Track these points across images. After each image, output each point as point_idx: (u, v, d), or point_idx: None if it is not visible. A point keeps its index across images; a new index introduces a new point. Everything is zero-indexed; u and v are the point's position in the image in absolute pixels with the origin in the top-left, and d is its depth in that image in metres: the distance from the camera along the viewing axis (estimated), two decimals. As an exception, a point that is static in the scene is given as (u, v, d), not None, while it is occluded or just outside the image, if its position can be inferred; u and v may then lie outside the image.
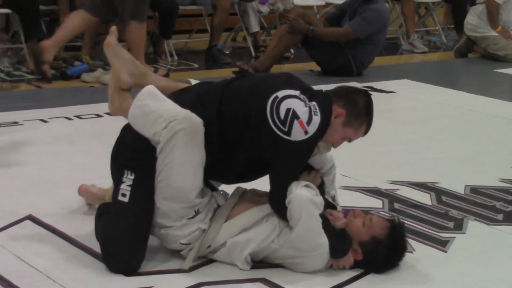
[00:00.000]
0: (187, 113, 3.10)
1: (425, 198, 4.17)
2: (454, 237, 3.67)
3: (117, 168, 3.22)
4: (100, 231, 3.26)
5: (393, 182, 4.38)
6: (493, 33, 8.58)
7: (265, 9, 8.89)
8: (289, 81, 3.25)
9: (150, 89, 3.22)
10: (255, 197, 3.30)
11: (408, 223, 3.81)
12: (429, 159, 4.89)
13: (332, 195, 3.44)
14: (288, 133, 3.06)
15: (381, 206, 4.03)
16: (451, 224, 3.84)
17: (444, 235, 3.70)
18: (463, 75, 8.24)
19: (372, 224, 3.20)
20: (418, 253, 3.48)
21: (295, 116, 3.07)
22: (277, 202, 3.15)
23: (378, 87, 6.94)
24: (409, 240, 3.59)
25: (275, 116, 3.08)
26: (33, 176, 4.24)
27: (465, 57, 8.91)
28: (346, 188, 4.23)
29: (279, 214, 3.16)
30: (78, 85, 6.70)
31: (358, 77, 7.28)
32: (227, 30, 8.99)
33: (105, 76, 6.83)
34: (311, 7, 9.38)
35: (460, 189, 4.32)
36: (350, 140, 3.30)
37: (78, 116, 5.48)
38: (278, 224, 3.17)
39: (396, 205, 4.05)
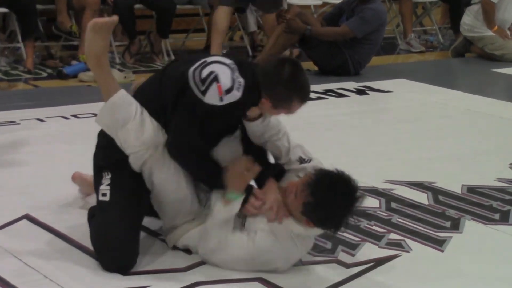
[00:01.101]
0: (152, 138, 3.12)
1: (422, 198, 4.18)
2: (451, 237, 3.67)
3: (96, 174, 3.27)
4: (91, 233, 3.26)
5: (390, 182, 4.38)
6: (490, 33, 8.58)
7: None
8: (227, 55, 3.26)
9: (123, 97, 3.20)
10: None
11: (405, 222, 3.82)
12: (426, 158, 4.89)
13: (297, 156, 3.33)
14: (203, 93, 3.03)
15: (378, 205, 4.03)
16: (448, 224, 3.84)
17: (441, 234, 3.70)
18: (460, 75, 8.24)
19: (298, 191, 3.06)
20: (415, 253, 3.49)
21: (216, 79, 3.04)
22: (175, 152, 3.13)
23: (375, 87, 6.95)
24: (406, 240, 3.61)
25: (196, 74, 3.06)
26: (30, 175, 4.24)
27: (462, 57, 8.91)
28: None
29: (177, 162, 3.15)
30: (75, 85, 6.70)
31: (356, 77, 7.28)
32: (225, 29, 8.97)
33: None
34: (308, 7, 9.38)
35: (457, 189, 4.32)
36: (290, 113, 3.18)
37: (75, 116, 5.48)
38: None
39: (393, 205, 4.05)
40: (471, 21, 8.66)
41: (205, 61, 3.11)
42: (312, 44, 7.28)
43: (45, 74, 7.08)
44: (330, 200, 3.01)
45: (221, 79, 3.04)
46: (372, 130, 5.62)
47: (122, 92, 3.19)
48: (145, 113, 3.15)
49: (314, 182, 3.03)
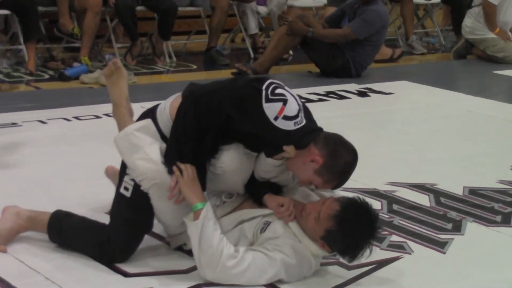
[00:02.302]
0: (155, 168, 3.12)
1: (423, 200, 4.17)
2: (453, 239, 3.67)
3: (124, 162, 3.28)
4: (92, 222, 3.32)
5: (392, 184, 4.38)
6: (491, 35, 8.58)
7: (263, 10, 8.90)
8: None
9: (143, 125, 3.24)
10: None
11: (407, 224, 3.82)
12: (428, 160, 4.89)
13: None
14: (267, 100, 3.00)
15: (380, 207, 4.03)
16: (449, 226, 3.84)
17: (443, 236, 3.70)
18: (461, 77, 8.24)
19: (321, 217, 3.05)
20: (417, 255, 3.49)
21: (284, 101, 3.02)
22: (186, 101, 3.09)
23: (377, 89, 6.95)
24: (408, 242, 3.61)
25: (271, 88, 3.04)
26: (32, 177, 4.24)
27: (463, 59, 8.91)
28: (345, 189, 4.20)
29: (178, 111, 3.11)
30: (77, 86, 6.70)
31: (357, 78, 7.28)
32: (226, 31, 8.99)
33: (104, 77, 6.83)
34: (309, 9, 9.39)
35: (458, 191, 4.32)
36: (316, 188, 3.23)
37: (76, 117, 5.48)
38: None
39: (395, 207, 4.05)
40: (472, 23, 8.66)
41: (283, 85, 3.10)
42: (314, 46, 7.28)
43: (46, 76, 7.08)
44: (355, 233, 3.03)
45: (288, 106, 3.02)
46: (374, 132, 5.62)
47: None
48: (155, 145, 3.18)
49: (339, 212, 3.02)
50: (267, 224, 3.13)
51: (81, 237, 3.27)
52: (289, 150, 3.08)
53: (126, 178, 3.21)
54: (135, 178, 3.16)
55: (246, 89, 3.07)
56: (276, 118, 3.00)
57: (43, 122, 5.34)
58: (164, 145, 3.17)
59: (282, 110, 3.00)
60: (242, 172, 3.20)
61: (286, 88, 3.11)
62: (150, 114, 3.29)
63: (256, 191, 3.26)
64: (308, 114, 3.15)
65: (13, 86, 6.63)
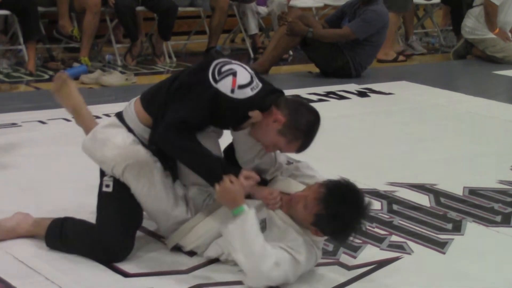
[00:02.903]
0: (122, 152, 3.17)
1: (423, 200, 4.18)
2: (453, 239, 3.67)
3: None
4: (84, 223, 3.34)
5: (392, 184, 4.38)
6: (491, 35, 8.59)
7: (263, 10, 8.90)
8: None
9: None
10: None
11: (407, 224, 3.82)
12: (428, 160, 4.89)
13: (285, 160, 3.38)
14: (216, 81, 3.07)
15: (379, 207, 4.03)
16: (449, 226, 3.84)
17: (443, 236, 3.70)
18: (461, 77, 8.24)
19: (308, 202, 3.05)
20: (417, 255, 3.49)
21: (233, 74, 3.08)
22: (165, 134, 3.10)
23: (377, 89, 6.95)
24: (408, 242, 3.61)
25: (217, 67, 3.10)
26: (32, 177, 4.24)
27: (463, 59, 8.92)
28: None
29: (159, 143, 3.14)
30: (77, 87, 6.67)
31: (357, 79, 7.29)
32: (226, 31, 9.00)
33: (104, 78, 6.84)
34: (309, 9, 9.39)
35: (458, 191, 4.32)
36: (281, 150, 3.24)
37: (76, 118, 5.48)
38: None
39: (395, 207, 4.05)
40: (472, 23, 8.67)
41: (229, 61, 3.16)
42: (314, 46, 7.28)
43: (46, 76, 7.08)
44: (344, 213, 3.01)
45: (238, 76, 3.09)
46: (374, 133, 5.62)
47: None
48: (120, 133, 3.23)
49: (325, 195, 3.02)
50: (263, 222, 3.13)
51: (79, 239, 3.27)
52: (255, 114, 3.12)
53: (105, 178, 3.24)
54: (107, 171, 3.20)
55: (195, 87, 3.10)
56: (232, 91, 3.06)
57: (43, 123, 5.34)
58: (130, 134, 3.21)
59: (234, 81, 3.06)
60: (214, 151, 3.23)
61: (233, 61, 3.17)
62: (116, 115, 3.34)
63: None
64: (264, 80, 3.20)
65: (13, 86, 6.63)
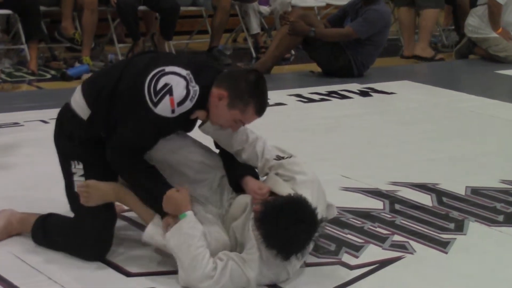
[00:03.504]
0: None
1: (425, 199, 4.17)
2: (455, 239, 3.67)
3: (64, 160, 3.31)
4: (64, 221, 3.35)
5: (394, 183, 4.38)
6: (494, 35, 8.58)
7: (265, 10, 8.90)
8: (187, 59, 3.20)
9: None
10: None
11: (409, 224, 3.81)
12: (430, 160, 4.89)
13: (274, 155, 3.30)
14: (155, 104, 3.03)
15: (382, 207, 4.02)
16: (451, 226, 3.84)
17: (445, 236, 3.69)
18: (464, 77, 8.23)
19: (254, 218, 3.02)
20: (419, 254, 3.48)
21: (169, 91, 3.04)
22: (113, 157, 3.14)
23: (379, 88, 6.95)
24: (410, 241, 3.60)
25: (152, 85, 3.05)
26: (34, 176, 4.24)
27: (465, 58, 8.91)
28: (347, 189, 4.23)
29: (113, 167, 3.18)
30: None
31: (359, 78, 7.28)
32: (228, 31, 8.99)
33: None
34: (311, 8, 9.38)
35: (460, 190, 4.32)
36: (243, 123, 3.19)
37: (78, 117, 5.48)
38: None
39: (397, 206, 4.05)
40: (476, 22, 8.66)
41: (163, 70, 3.09)
42: (316, 45, 7.28)
43: (48, 76, 7.08)
44: (274, 234, 2.94)
45: (175, 91, 3.04)
46: (376, 132, 5.61)
47: None
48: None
49: (260, 214, 2.98)
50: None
51: (62, 234, 3.28)
52: (200, 115, 3.14)
53: (75, 177, 3.26)
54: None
55: (135, 109, 3.08)
56: (173, 111, 3.05)
57: (45, 122, 5.34)
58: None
59: (172, 101, 3.03)
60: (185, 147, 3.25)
61: (167, 68, 3.08)
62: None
63: (236, 173, 3.24)
64: (198, 66, 3.15)
65: (15, 86, 6.64)
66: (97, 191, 3.21)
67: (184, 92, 3.05)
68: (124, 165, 3.16)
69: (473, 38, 8.73)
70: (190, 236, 2.99)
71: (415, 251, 3.51)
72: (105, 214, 3.24)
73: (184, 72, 3.09)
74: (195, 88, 3.07)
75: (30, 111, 5.61)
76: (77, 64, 7.26)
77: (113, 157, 3.15)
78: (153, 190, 3.13)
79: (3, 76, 6.93)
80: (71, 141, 3.25)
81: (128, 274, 3.15)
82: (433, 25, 8.91)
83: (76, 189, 3.24)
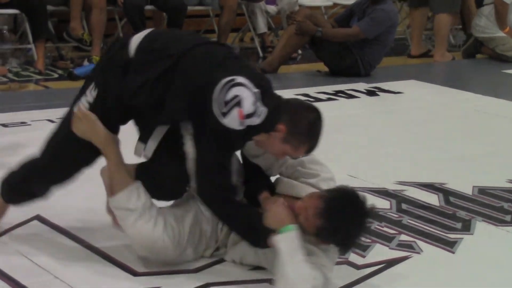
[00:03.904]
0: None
1: (433, 199, 4.17)
2: (462, 238, 3.67)
3: (89, 78, 3.31)
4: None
5: (401, 183, 4.37)
6: (501, 34, 8.57)
7: (272, 9, 8.90)
8: (256, 76, 3.10)
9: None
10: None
11: (416, 224, 3.81)
12: (437, 159, 4.89)
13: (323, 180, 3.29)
14: (224, 114, 2.96)
15: (388, 206, 4.02)
16: (459, 225, 3.83)
17: (452, 236, 3.69)
18: (470, 76, 8.23)
19: (308, 216, 3.00)
20: (426, 254, 3.48)
21: (238, 104, 2.96)
22: (209, 198, 3.10)
23: (386, 88, 6.94)
24: (417, 241, 3.60)
25: (222, 95, 2.96)
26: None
27: (473, 58, 8.90)
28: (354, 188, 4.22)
29: (213, 211, 3.13)
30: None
31: (366, 78, 7.28)
32: (235, 30, 8.99)
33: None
34: (318, 8, 9.38)
35: (468, 190, 4.32)
36: (291, 156, 3.18)
37: (86, 116, 5.49)
38: None
39: (404, 206, 4.04)
40: (483, 21, 8.65)
41: (232, 81, 2.99)
42: (323, 45, 7.28)
43: (55, 75, 7.09)
44: (345, 225, 2.98)
45: (244, 105, 2.96)
46: (383, 131, 5.61)
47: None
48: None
49: (324, 209, 2.97)
50: None
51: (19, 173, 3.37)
52: (260, 138, 3.09)
53: (82, 99, 3.25)
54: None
55: (208, 122, 2.99)
56: (241, 124, 2.97)
57: (52, 121, 5.33)
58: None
59: (241, 113, 2.95)
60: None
61: (238, 79, 2.99)
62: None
63: (253, 192, 3.24)
64: (266, 92, 3.06)
65: (22, 85, 6.65)
66: (92, 126, 3.16)
67: (253, 108, 2.97)
68: (219, 209, 3.11)
69: (480, 38, 8.73)
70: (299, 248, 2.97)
71: (422, 251, 3.51)
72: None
73: (253, 88, 3.00)
74: (261, 108, 2.99)
75: (37, 110, 5.62)
76: (85, 63, 7.26)
77: (209, 201, 3.12)
78: (251, 212, 3.10)
79: (10, 75, 6.94)
80: (106, 69, 3.21)
81: (135, 274, 3.15)
82: (447, 30, 8.86)
83: (75, 109, 3.21)
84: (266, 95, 3.03)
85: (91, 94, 3.21)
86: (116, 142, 3.24)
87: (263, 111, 3.00)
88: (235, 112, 2.95)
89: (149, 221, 3.09)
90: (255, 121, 2.99)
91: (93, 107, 3.18)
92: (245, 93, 2.97)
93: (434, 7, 8.67)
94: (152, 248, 3.11)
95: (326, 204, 2.98)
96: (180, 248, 3.14)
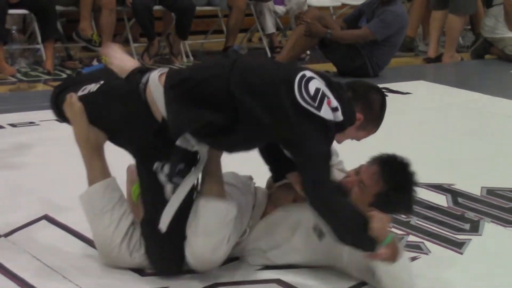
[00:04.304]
0: None
1: (441, 200, 4.16)
2: (470, 239, 3.66)
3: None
4: None
5: (409, 184, 4.36)
6: (510, 35, 8.55)
7: (281, 9, 8.90)
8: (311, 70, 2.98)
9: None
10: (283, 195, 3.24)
11: (424, 224, 3.80)
12: (445, 160, 4.88)
13: None
14: (318, 108, 2.81)
15: (396, 207, 4.01)
16: (467, 226, 3.83)
17: (460, 237, 3.68)
18: (479, 77, 8.20)
19: (365, 185, 3.03)
20: (434, 255, 3.47)
21: (325, 95, 2.83)
22: (325, 211, 2.86)
23: (394, 88, 6.93)
24: (425, 242, 3.59)
25: (303, 90, 2.81)
26: (49, 176, 4.26)
27: (481, 58, 8.89)
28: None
29: (324, 205, 2.86)
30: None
31: (375, 78, 7.27)
32: (243, 31, 8.99)
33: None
34: (327, 8, 9.37)
35: (476, 191, 4.31)
36: (358, 140, 3.17)
37: (94, 116, 5.50)
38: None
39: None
40: (492, 22, 8.64)
41: (304, 76, 2.85)
42: (332, 47, 7.28)
43: (64, 76, 7.11)
44: (405, 182, 3.08)
45: (329, 96, 2.85)
46: (391, 132, 5.59)
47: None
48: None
49: (383, 173, 3.04)
50: (317, 229, 3.08)
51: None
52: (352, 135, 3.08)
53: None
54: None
55: (299, 119, 2.82)
56: (333, 116, 2.85)
57: (60, 122, 5.35)
58: None
59: (330, 103, 2.84)
60: None
61: (305, 71, 2.89)
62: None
63: (280, 168, 3.17)
64: (325, 77, 2.96)
65: (31, 85, 6.66)
66: (76, 115, 3.18)
67: (336, 102, 2.86)
68: (337, 215, 2.87)
69: (489, 38, 8.71)
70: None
71: (430, 252, 3.50)
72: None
73: (322, 79, 2.90)
74: (337, 104, 2.88)
75: (46, 110, 5.60)
76: (95, 62, 7.28)
77: (316, 197, 2.87)
78: (359, 215, 2.87)
79: (19, 75, 6.96)
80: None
81: (142, 274, 3.15)
82: (459, 32, 8.81)
83: (68, 95, 3.19)
84: (332, 86, 2.94)
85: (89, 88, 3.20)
86: (101, 141, 3.22)
87: (341, 106, 2.89)
88: (325, 103, 2.84)
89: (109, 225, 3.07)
90: (340, 116, 2.89)
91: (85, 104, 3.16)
92: (322, 86, 2.88)
93: (451, 8, 8.57)
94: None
95: (383, 168, 3.06)
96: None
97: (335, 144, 3.03)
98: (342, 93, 2.97)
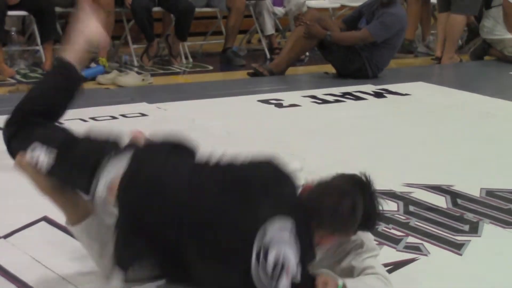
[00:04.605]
0: None
1: (440, 201, 4.16)
2: (470, 240, 3.66)
3: None
4: None
5: (408, 185, 4.37)
6: (509, 36, 8.55)
7: (280, 11, 8.91)
8: (281, 199, 2.67)
9: None
10: None
11: (423, 226, 3.80)
12: (445, 161, 4.88)
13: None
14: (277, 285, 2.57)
15: (396, 208, 4.02)
16: (466, 227, 3.83)
17: (460, 238, 3.68)
18: (478, 78, 8.21)
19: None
20: (433, 256, 3.47)
21: (283, 267, 2.57)
22: None
23: (393, 90, 6.94)
24: (424, 243, 3.59)
25: (264, 265, 2.57)
26: (49, 177, 4.25)
27: (481, 59, 8.89)
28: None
29: None
30: (93, 87, 6.72)
31: (373, 80, 7.27)
32: (242, 32, 9.00)
33: (120, 78, 6.86)
34: (326, 10, 9.38)
35: (475, 192, 4.30)
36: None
37: (93, 118, 5.49)
38: None
39: (411, 208, 4.04)
40: (491, 23, 8.64)
41: (264, 234, 2.57)
42: (331, 49, 7.28)
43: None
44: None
45: (291, 265, 2.57)
46: (390, 133, 5.60)
47: None
48: None
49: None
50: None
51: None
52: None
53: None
54: None
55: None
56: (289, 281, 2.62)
57: (59, 123, 5.35)
58: None
59: (288, 273, 2.57)
60: None
61: (269, 214, 2.59)
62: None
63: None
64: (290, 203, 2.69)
65: (30, 86, 6.65)
66: (29, 174, 3.06)
67: (296, 267, 2.60)
68: None
69: (489, 40, 8.71)
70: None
71: (429, 253, 3.50)
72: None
73: (286, 224, 2.59)
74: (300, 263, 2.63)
75: (45, 112, 5.61)
76: (92, 65, 7.28)
77: None
78: None
79: (18, 77, 6.96)
80: None
81: (142, 275, 3.15)
82: (460, 33, 8.81)
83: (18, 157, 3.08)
84: (299, 230, 2.63)
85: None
86: None
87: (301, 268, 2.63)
88: (283, 277, 2.58)
89: None
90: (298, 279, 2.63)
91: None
92: (285, 249, 2.60)
93: (454, 8, 8.58)
94: None
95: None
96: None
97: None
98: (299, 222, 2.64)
